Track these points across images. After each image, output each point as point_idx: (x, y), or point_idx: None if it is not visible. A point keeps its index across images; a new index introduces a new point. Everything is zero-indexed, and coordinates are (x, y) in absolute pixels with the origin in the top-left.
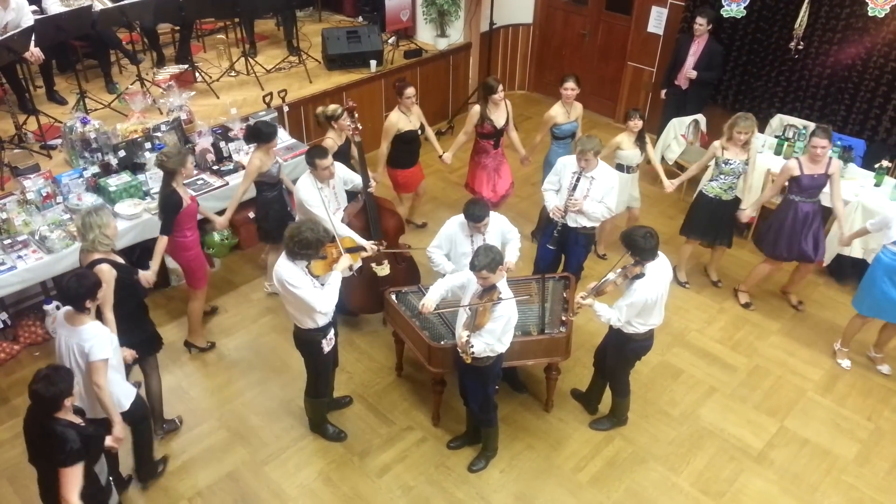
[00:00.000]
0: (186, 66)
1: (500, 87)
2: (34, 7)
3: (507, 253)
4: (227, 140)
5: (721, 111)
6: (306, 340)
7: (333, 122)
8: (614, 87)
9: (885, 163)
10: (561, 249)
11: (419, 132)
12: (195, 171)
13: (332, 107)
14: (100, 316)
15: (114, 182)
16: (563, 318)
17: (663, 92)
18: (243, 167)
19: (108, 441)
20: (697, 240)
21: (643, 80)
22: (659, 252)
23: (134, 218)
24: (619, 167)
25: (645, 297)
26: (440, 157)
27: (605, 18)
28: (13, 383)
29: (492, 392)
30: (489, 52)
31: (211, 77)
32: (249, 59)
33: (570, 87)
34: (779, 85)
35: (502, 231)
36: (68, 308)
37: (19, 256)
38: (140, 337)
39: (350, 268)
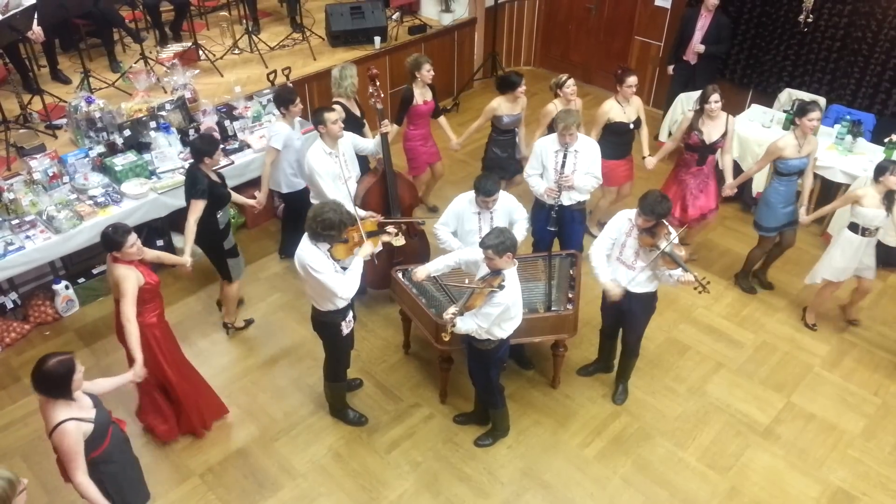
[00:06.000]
0: (190, 45)
1: (717, 97)
2: None
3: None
4: (232, 119)
5: (729, 86)
6: (325, 323)
7: (559, 89)
8: (621, 61)
9: (894, 137)
10: (559, 230)
11: (632, 126)
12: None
13: (562, 76)
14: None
15: (120, 161)
16: (570, 296)
17: (671, 68)
18: (249, 146)
19: (253, 202)
20: None
21: (650, 54)
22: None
23: (140, 197)
24: (853, 226)
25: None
26: (644, 158)
27: None
28: (24, 362)
29: (494, 376)
30: (494, 27)
31: (214, 55)
32: (253, 36)
33: (815, 118)
34: (787, 59)
35: (509, 210)
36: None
37: (27, 237)
38: None
39: (371, 254)
